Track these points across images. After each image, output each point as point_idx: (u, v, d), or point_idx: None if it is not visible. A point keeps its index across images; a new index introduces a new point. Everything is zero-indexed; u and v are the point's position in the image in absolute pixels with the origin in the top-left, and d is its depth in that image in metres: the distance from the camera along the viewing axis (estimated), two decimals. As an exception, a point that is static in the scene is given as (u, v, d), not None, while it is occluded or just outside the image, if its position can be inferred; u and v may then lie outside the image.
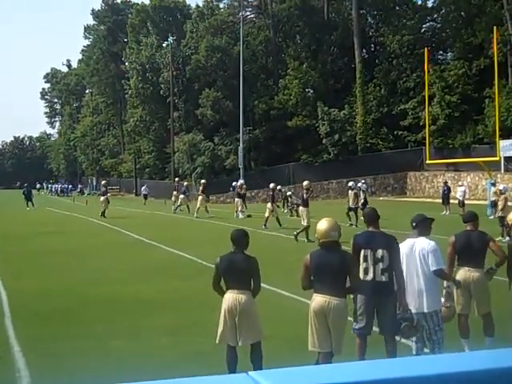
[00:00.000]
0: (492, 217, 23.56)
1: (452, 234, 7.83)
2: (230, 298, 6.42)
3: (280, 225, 22.78)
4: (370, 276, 6.55)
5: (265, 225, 22.65)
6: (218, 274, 6.59)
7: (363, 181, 35.56)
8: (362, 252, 6.60)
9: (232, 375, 2.85)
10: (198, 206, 30.23)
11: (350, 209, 23.26)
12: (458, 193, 28.47)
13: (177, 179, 37.48)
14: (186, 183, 36.01)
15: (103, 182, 36.12)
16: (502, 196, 19.68)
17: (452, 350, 7.34)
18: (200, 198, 30.32)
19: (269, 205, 23.73)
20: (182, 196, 32.93)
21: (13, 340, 8.40)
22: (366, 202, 24.76)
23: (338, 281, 6.21)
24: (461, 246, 7.41)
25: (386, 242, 6.68)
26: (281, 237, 20.41)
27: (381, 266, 6.55)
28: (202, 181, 32.75)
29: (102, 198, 31.79)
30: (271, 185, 25.50)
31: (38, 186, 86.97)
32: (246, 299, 6.40)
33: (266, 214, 23.35)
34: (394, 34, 48.14)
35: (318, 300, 6.23)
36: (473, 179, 39.62)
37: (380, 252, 6.56)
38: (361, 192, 25.92)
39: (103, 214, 30.06)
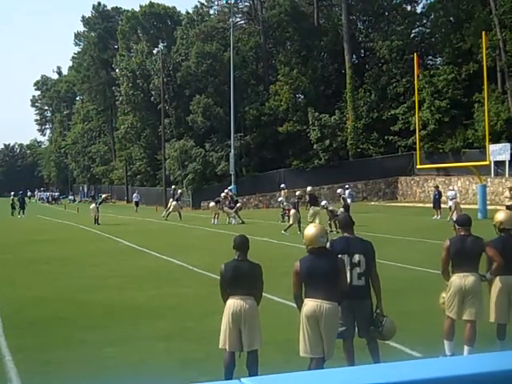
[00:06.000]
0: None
1: (444, 238, 7.85)
2: (235, 303, 6.43)
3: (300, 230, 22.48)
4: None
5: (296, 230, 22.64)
6: (224, 282, 6.62)
7: (347, 186, 35.74)
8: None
9: (225, 382, 2.86)
10: (170, 210, 33.04)
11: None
12: (449, 199, 28.58)
13: (173, 187, 38.07)
14: (179, 190, 36.36)
15: (104, 195, 37.82)
16: (453, 201, 20.42)
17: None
18: (174, 203, 33.07)
19: (293, 211, 23.75)
20: (174, 202, 33.18)
21: (4, 349, 8.36)
22: (347, 210, 24.67)
23: (329, 285, 6.23)
24: (455, 251, 7.38)
25: (362, 247, 6.83)
26: (272, 243, 20.42)
27: (358, 270, 6.67)
28: (179, 190, 35.86)
29: (92, 206, 32.08)
30: (297, 192, 25.43)
31: (28, 193, 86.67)
32: (251, 305, 6.45)
33: (291, 221, 23.34)
34: (384, 39, 48.33)
35: (309, 305, 6.25)
36: (463, 183, 39.80)
37: (357, 257, 6.69)
38: (341, 199, 26.10)
39: (96, 221, 30.20)
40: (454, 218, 18.91)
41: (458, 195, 24.08)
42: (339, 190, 28.96)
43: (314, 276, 6.27)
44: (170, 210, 33.24)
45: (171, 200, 34.43)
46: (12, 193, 45.44)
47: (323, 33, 54.17)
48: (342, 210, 23.71)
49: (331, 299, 6.22)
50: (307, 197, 24.42)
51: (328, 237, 6.70)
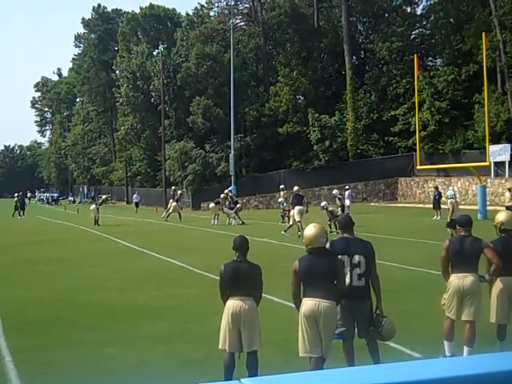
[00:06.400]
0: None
1: (444, 239, 7.86)
2: (235, 304, 6.44)
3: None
4: (347, 281, 6.62)
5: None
6: (223, 282, 6.62)
7: (347, 187, 35.80)
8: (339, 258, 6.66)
9: (225, 383, 2.86)
10: (170, 211, 33.16)
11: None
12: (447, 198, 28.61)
13: (173, 188, 38.14)
14: (179, 191, 36.41)
15: (104, 197, 38.11)
16: (450, 200, 20.75)
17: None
18: (174, 204, 33.20)
19: (292, 212, 23.76)
20: (174, 203, 33.25)
21: (4, 350, 8.35)
22: (342, 210, 24.75)
23: (327, 284, 6.28)
24: (454, 251, 7.40)
25: (362, 248, 6.82)
26: (271, 243, 20.41)
27: (358, 271, 6.67)
28: (179, 191, 36.08)
29: (92, 207, 32.09)
30: (295, 188, 25.33)
31: (28, 194, 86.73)
32: (251, 306, 6.46)
33: (291, 222, 23.38)
34: (384, 40, 48.34)
35: (308, 304, 6.27)
36: (463, 184, 39.79)
37: (357, 258, 6.69)
38: (337, 200, 26.05)
39: (96, 222, 30.22)
40: (452, 217, 19.35)
41: (456, 195, 24.25)
42: (335, 191, 29.10)
43: (313, 275, 6.29)
44: (170, 211, 33.29)
45: (171, 201, 34.51)
46: (16, 194, 45.47)
47: (323, 34, 54.18)
48: (338, 210, 23.86)
49: (329, 298, 6.25)
50: (290, 197, 24.49)
51: (328, 237, 6.71)
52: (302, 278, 6.37)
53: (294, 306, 6.64)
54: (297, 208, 22.95)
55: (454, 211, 20.14)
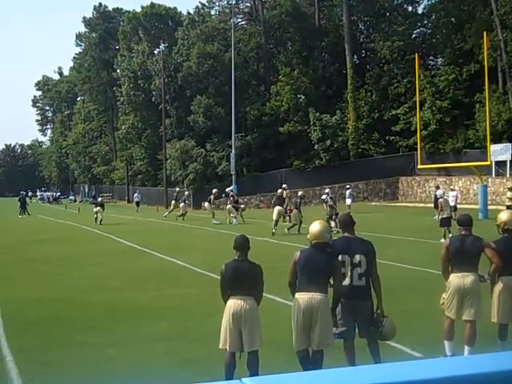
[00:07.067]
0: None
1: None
2: (236, 304, 6.44)
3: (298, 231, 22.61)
4: (347, 281, 6.64)
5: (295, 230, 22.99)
6: (224, 282, 6.63)
7: (348, 186, 35.86)
8: (340, 257, 6.68)
9: (226, 382, 2.85)
10: (181, 211, 33.12)
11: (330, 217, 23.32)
12: (449, 197, 28.61)
13: (177, 189, 38.23)
14: (186, 192, 36.60)
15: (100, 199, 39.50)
16: (440, 200, 21.37)
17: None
18: (182, 205, 33.41)
19: (295, 211, 24.05)
20: (182, 204, 33.41)
21: (5, 349, 8.35)
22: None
23: (321, 280, 6.37)
24: (454, 250, 7.40)
25: (362, 247, 6.82)
26: (272, 243, 20.41)
27: (358, 270, 6.67)
28: (186, 192, 36.61)
29: (97, 208, 32.09)
30: (299, 193, 25.76)
31: (29, 193, 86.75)
32: (251, 305, 6.47)
33: (293, 221, 23.69)
34: (385, 39, 48.34)
35: (301, 298, 6.36)
36: (464, 184, 39.78)
37: (357, 257, 6.68)
38: (328, 198, 26.04)
39: (100, 221, 30.31)
40: (443, 216, 19.98)
41: (443, 193, 24.62)
42: (327, 191, 28.84)
43: (310, 268, 6.38)
44: (181, 211, 33.23)
45: (173, 202, 34.66)
46: (22, 192, 45.61)
47: (324, 33, 54.19)
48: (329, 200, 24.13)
49: (322, 291, 6.35)
50: (274, 198, 25.50)
51: (332, 235, 6.76)
52: (300, 269, 6.46)
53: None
54: (279, 208, 23.95)
55: (442, 210, 20.53)
